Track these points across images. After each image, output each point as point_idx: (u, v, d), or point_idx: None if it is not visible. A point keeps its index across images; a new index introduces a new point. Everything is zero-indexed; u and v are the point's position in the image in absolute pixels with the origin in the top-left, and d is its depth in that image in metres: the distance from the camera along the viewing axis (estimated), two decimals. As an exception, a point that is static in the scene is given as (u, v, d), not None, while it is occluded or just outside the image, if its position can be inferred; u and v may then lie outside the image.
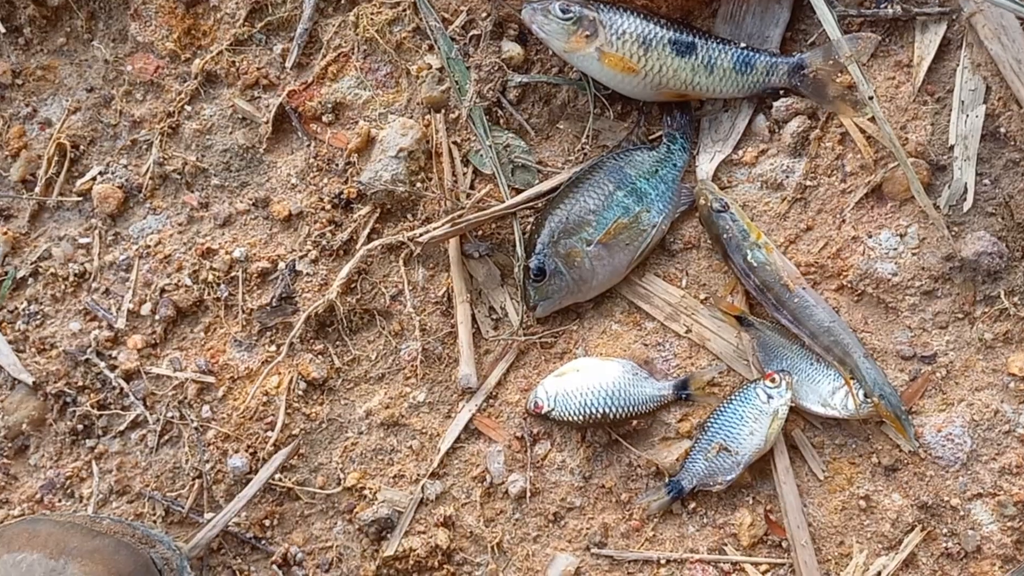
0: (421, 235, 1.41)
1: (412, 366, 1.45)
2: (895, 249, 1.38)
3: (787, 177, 1.44)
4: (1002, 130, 1.39)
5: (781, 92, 1.45)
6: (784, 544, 1.34)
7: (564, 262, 1.40)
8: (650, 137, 1.48)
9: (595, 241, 1.40)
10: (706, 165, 1.47)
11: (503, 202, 1.45)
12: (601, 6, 1.39)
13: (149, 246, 1.51)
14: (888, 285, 1.37)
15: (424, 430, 1.44)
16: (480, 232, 1.47)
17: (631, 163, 1.44)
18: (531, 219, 1.46)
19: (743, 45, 1.42)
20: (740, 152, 1.46)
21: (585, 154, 1.47)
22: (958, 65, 1.41)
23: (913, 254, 1.37)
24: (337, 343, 1.46)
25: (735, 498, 1.37)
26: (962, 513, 1.30)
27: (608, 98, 1.47)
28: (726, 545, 1.35)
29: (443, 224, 1.42)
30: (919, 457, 1.32)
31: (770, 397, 1.33)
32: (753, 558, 1.34)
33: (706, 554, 1.35)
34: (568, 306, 1.44)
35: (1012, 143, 1.39)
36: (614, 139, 1.49)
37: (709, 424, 1.35)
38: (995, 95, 1.40)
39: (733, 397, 1.35)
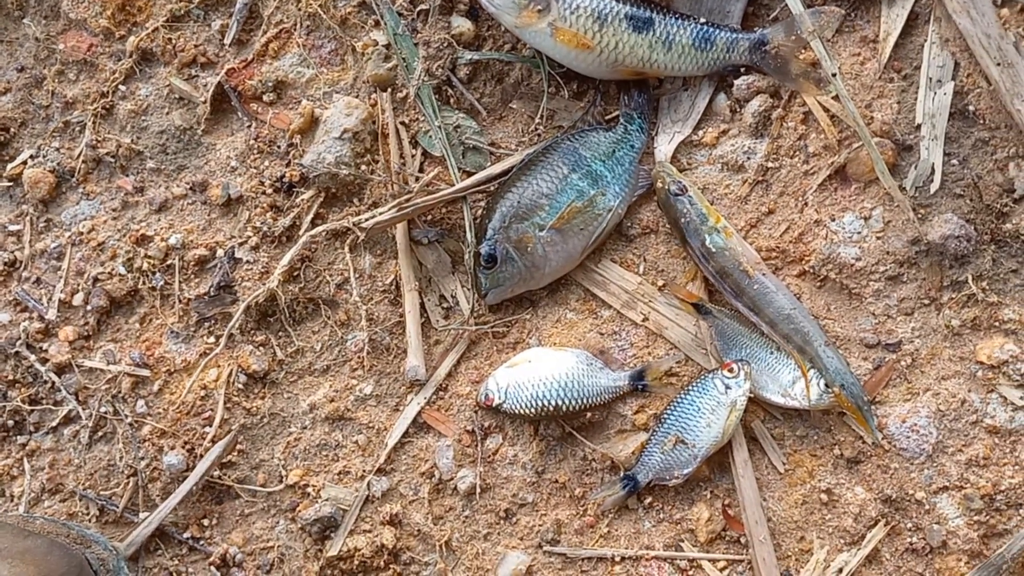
0: (367, 220, 1.34)
1: (359, 357, 1.39)
2: (859, 233, 1.33)
3: (748, 159, 1.38)
4: (971, 108, 1.34)
5: (742, 70, 1.39)
6: (743, 540, 1.29)
7: (516, 248, 1.33)
8: (607, 117, 1.42)
9: (548, 226, 1.34)
10: (665, 146, 1.41)
11: (453, 185, 1.38)
12: None
13: (82, 233, 1.44)
14: (851, 270, 1.32)
15: (371, 424, 1.38)
16: (429, 217, 1.40)
17: (586, 144, 1.38)
18: (482, 203, 1.39)
19: (703, 21, 1.36)
20: (700, 133, 1.41)
21: (539, 135, 1.41)
22: (926, 40, 1.36)
23: (877, 238, 1.31)
24: (279, 334, 1.39)
25: (692, 492, 1.31)
26: (927, 507, 1.25)
27: (563, 76, 1.41)
28: (683, 541, 1.30)
29: (390, 209, 1.35)
30: (883, 449, 1.27)
31: (728, 388, 1.27)
32: (711, 555, 1.29)
33: (662, 551, 1.30)
34: (521, 294, 1.38)
35: (981, 121, 1.34)
36: (569, 119, 1.42)
37: (665, 416, 1.30)
38: (964, 71, 1.35)
39: (690, 388, 1.29)
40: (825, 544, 1.27)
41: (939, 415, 1.27)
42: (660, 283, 1.37)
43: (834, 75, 1.31)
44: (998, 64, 1.34)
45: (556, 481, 1.34)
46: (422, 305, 1.39)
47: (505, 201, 1.35)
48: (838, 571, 1.23)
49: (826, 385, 1.26)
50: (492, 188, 1.39)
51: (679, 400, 1.30)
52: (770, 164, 1.37)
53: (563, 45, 1.34)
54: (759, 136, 1.38)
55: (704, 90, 1.41)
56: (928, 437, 1.26)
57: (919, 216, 1.32)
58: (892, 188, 1.29)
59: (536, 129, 1.41)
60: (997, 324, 1.28)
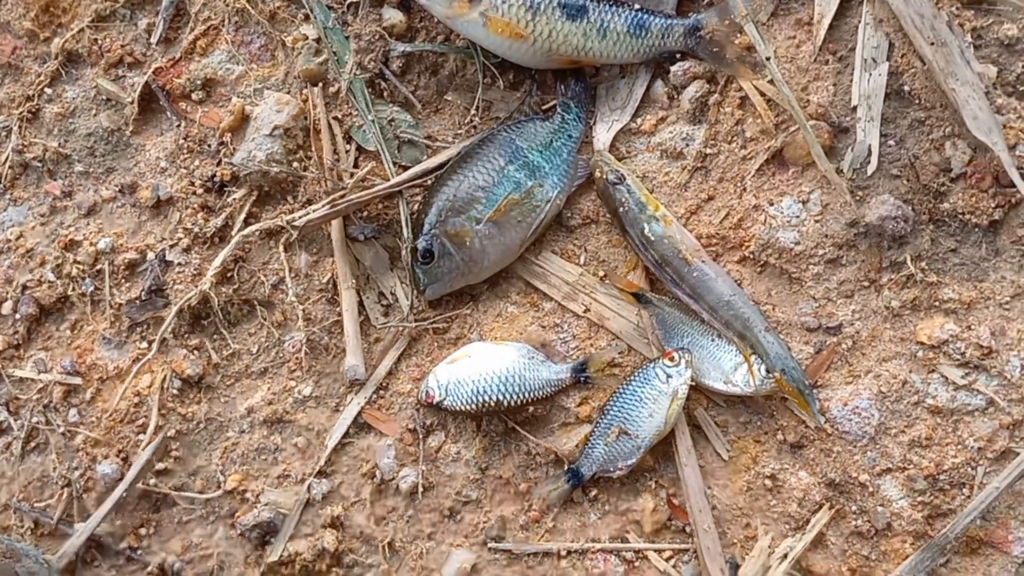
0: (300, 218, 1.32)
1: (297, 358, 1.36)
2: (797, 216, 1.32)
3: (687, 145, 1.37)
4: (906, 88, 1.33)
5: (678, 56, 1.37)
6: (688, 529, 1.28)
7: (453, 242, 1.31)
8: (544, 107, 1.40)
9: (485, 219, 1.32)
10: (603, 135, 1.40)
11: (388, 180, 1.36)
12: None
13: (9, 240, 1.40)
14: (791, 255, 1.31)
15: (310, 426, 1.35)
16: (365, 213, 1.38)
17: (523, 135, 1.36)
18: (419, 198, 1.37)
19: (637, 7, 1.34)
20: (639, 120, 1.39)
21: (475, 127, 1.39)
22: (860, 21, 1.35)
23: (816, 221, 1.31)
24: (214, 337, 1.37)
25: (637, 483, 1.30)
26: (871, 489, 1.24)
27: (499, 67, 1.39)
28: (628, 532, 1.29)
29: (323, 206, 1.33)
30: (826, 433, 1.26)
31: (669, 377, 1.26)
32: (656, 545, 1.28)
33: (608, 543, 1.28)
34: (461, 289, 1.36)
35: (917, 101, 1.33)
36: (506, 110, 1.41)
37: (608, 407, 1.28)
38: (898, 52, 1.34)
39: (632, 378, 1.28)
40: (770, 530, 1.26)
41: (881, 397, 1.26)
42: (601, 273, 1.35)
43: (768, 59, 1.30)
44: (932, 43, 1.33)
45: (500, 477, 1.32)
46: (361, 303, 1.37)
47: (441, 195, 1.33)
48: (783, 556, 1.22)
49: (767, 370, 1.25)
50: (429, 182, 1.37)
51: (621, 391, 1.28)
52: (708, 150, 1.36)
53: (496, 35, 1.32)
54: (697, 122, 1.37)
55: (641, 77, 1.40)
56: (870, 419, 1.26)
57: (857, 198, 1.31)
58: (828, 171, 1.29)
59: (472, 121, 1.39)
60: (937, 304, 1.28)
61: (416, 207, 1.36)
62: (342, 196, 1.33)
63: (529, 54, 1.34)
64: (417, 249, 1.32)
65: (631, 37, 1.34)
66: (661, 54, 1.37)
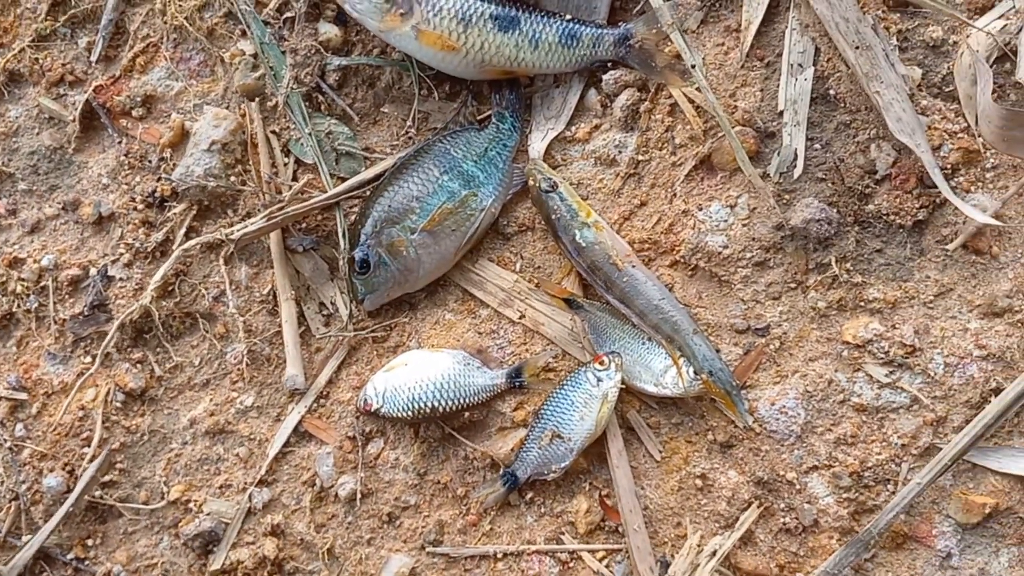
0: (237, 231, 1.34)
1: (238, 369, 1.38)
2: (725, 221, 1.34)
3: (620, 152, 1.39)
4: (832, 92, 1.36)
5: (610, 64, 1.40)
6: (620, 529, 1.30)
7: (388, 252, 1.34)
8: (479, 117, 1.43)
9: (419, 228, 1.35)
10: (539, 143, 1.42)
11: (325, 192, 1.38)
12: None
13: (-45, 259, 1.43)
14: (720, 258, 1.33)
15: (252, 436, 1.37)
16: (304, 225, 1.40)
17: (458, 145, 1.39)
18: (356, 209, 1.40)
19: (568, 18, 1.37)
20: (573, 129, 1.42)
21: (411, 138, 1.42)
22: (786, 27, 1.38)
23: (744, 225, 1.33)
24: (157, 350, 1.39)
25: (572, 485, 1.33)
26: (798, 487, 1.27)
27: (434, 78, 1.41)
28: (563, 534, 1.32)
29: (260, 219, 1.35)
30: (754, 432, 1.29)
31: (599, 380, 1.28)
32: (590, 546, 1.30)
33: (543, 544, 1.31)
34: (399, 297, 1.39)
35: (842, 104, 1.36)
36: (443, 120, 1.43)
37: (542, 411, 1.31)
38: (824, 56, 1.37)
39: (564, 383, 1.31)
40: (699, 528, 1.28)
41: (807, 396, 1.29)
42: (535, 280, 1.38)
43: (694, 66, 1.33)
44: (856, 47, 1.36)
45: (438, 482, 1.35)
46: (301, 313, 1.39)
47: (377, 206, 1.35)
48: (712, 554, 1.25)
49: (695, 372, 1.28)
50: (366, 193, 1.39)
51: (554, 395, 1.31)
52: (640, 157, 1.39)
53: (428, 47, 1.35)
54: (629, 130, 1.40)
55: (575, 86, 1.42)
56: (797, 418, 1.28)
57: (784, 201, 1.34)
58: (752, 176, 1.31)
59: (409, 132, 1.41)
60: (862, 304, 1.30)
61: (353, 218, 1.38)
62: (280, 208, 1.36)
63: (462, 66, 1.36)
64: (354, 259, 1.34)
65: (563, 47, 1.36)
66: (592, 63, 1.39)
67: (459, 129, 1.41)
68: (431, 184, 1.36)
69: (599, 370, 1.29)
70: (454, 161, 1.37)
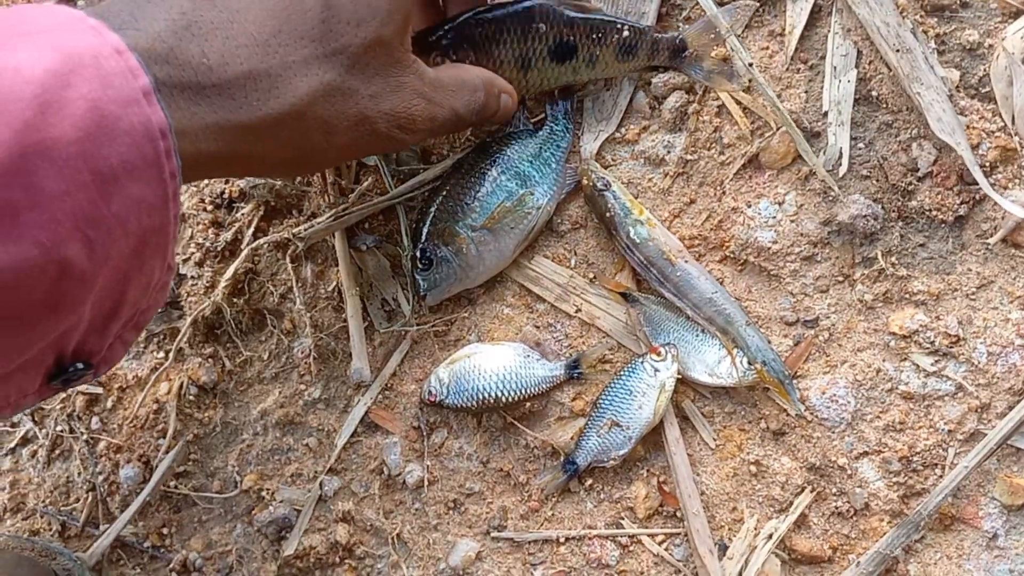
0: (304, 231, 1.40)
1: (306, 363, 1.44)
2: (774, 217, 1.40)
3: (668, 152, 1.45)
4: (874, 93, 1.41)
5: (660, 68, 1.45)
6: (678, 514, 1.35)
7: (450, 249, 1.39)
8: (533, 120, 1.48)
9: (479, 226, 1.40)
10: (590, 144, 1.48)
11: (386, 193, 1.44)
12: (477, 34, 1.30)
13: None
14: (769, 253, 1.39)
15: (320, 427, 1.43)
16: (368, 224, 1.46)
17: (513, 146, 1.44)
18: (417, 209, 1.45)
19: (624, 31, 1.37)
20: (623, 130, 1.47)
21: (469, 140, 1.47)
22: (829, 31, 1.43)
23: (791, 221, 1.38)
24: (228, 345, 1.44)
25: (630, 472, 1.38)
26: (849, 472, 1.32)
27: (489, 83, 1.47)
28: (623, 519, 1.37)
29: (326, 218, 1.40)
30: (805, 420, 1.34)
31: (656, 370, 1.34)
32: (649, 530, 1.36)
33: (604, 529, 1.36)
34: (459, 293, 1.44)
35: (884, 105, 1.41)
36: (492, 123, 1.48)
37: (600, 401, 1.36)
38: (866, 59, 1.43)
39: (621, 373, 1.36)
40: (755, 513, 1.33)
41: (856, 385, 1.34)
42: (591, 275, 1.43)
43: (750, 64, 1.38)
44: (897, 50, 1.42)
45: (500, 470, 1.40)
46: (364, 309, 1.45)
47: (437, 206, 1.41)
48: (768, 537, 1.30)
49: (749, 362, 1.33)
50: (425, 194, 1.45)
51: (612, 385, 1.36)
52: (689, 156, 1.44)
53: None
54: (677, 130, 1.45)
55: (625, 90, 1.48)
56: (847, 406, 1.33)
57: (830, 198, 1.39)
58: (816, 165, 1.37)
59: (466, 135, 1.46)
60: (907, 296, 1.36)
61: (414, 217, 1.44)
62: (345, 209, 1.41)
63: (521, 93, 1.37)
64: (416, 257, 1.39)
65: (619, 61, 1.40)
66: (646, 69, 1.44)
67: (514, 131, 1.46)
68: (489, 183, 1.41)
69: (656, 361, 1.34)
70: (510, 162, 1.43)
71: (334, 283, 1.44)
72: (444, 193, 1.41)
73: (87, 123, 0.68)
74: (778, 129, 1.40)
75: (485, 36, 1.30)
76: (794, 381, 1.35)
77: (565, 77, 1.36)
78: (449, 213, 1.40)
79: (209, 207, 1.45)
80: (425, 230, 1.40)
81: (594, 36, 1.35)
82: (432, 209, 1.41)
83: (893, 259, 1.37)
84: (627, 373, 1.35)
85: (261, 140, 0.87)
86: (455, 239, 1.40)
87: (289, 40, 0.85)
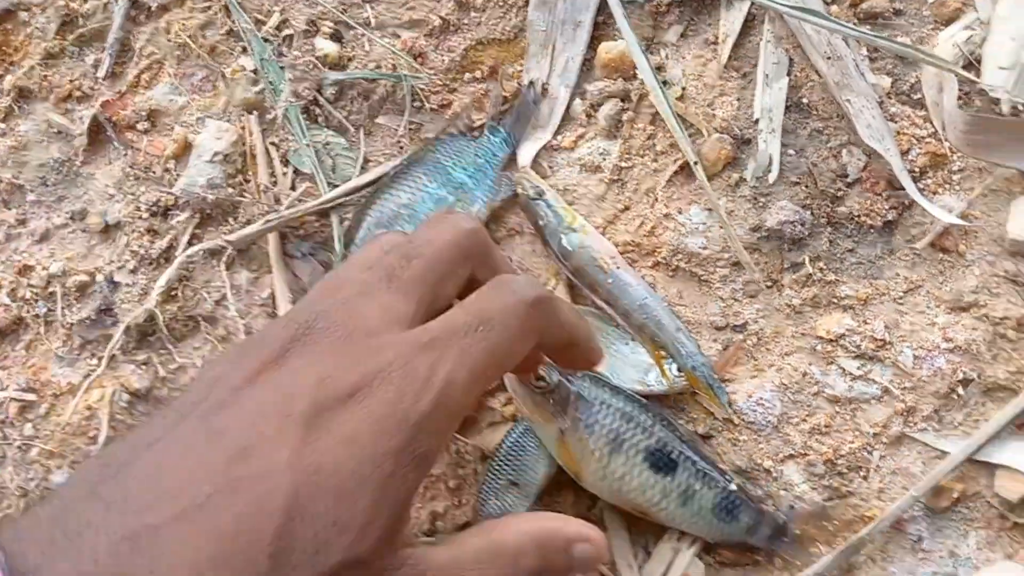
0: (233, 235, 1.40)
1: (240, 370, 1.44)
2: (704, 223, 1.41)
3: (604, 159, 1.46)
4: (804, 100, 1.43)
5: (595, 77, 1.47)
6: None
7: (382, 257, 1.40)
8: (472, 127, 1.49)
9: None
10: (528, 151, 1.48)
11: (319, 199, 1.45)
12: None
13: (-33, 267, 1.49)
14: (699, 259, 1.40)
15: (254, 433, 1.43)
16: (302, 231, 1.46)
17: (448, 154, 1.45)
18: (352, 217, 1.46)
19: (735, 487, 1.25)
20: (559, 138, 1.49)
21: (402, 147, 1.48)
22: (762, 40, 1.45)
23: (721, 227, 1.39)
24: (161, 352, 1.45)
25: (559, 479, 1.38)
26: (775, 474, 1.33)
27: (425, 92, 1.48)
28: (552, 525, 1.36)
29: (257, 224, 1.41)
30: (733, 423, 1.35)
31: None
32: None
33: (533, 535, 1.36)
34: (394, 300, 1.44)
35: (815, 112, 1.43)
36: (435, 131, 1.49)
37: (491, 462, 1.35)
38: (797, 66, 1.44)
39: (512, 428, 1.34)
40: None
41: (783, 388, 1.35)
42: (524, 282, 1.44)
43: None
44: (828, 58, 1.44)
45: (432, 475, 1.40)
46: (300, 316, 1.45)
47: (369, 215, 1.42)
48: (692, 540, 1.30)
49: (679, 369, 1.34)
50: (361, 200, 1.45)
51: (504, 442, 1.34)
52: (623, 164, 1.45)
53: (562, 460, 1.27)
54: (613, 138, 1.46)
55: (561, 97, 1.49)
56: (773, 410, 1.34)
57: (759, 205, 1.40)
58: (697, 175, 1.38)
59: (399, 142, 1.48)
60: (835, 300, 1.37)
61: (347, 226, 1.44)
62: (275, 214, 1.42)
63: (593, 482, 1.24)
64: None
65: (715, 518, 1.22)
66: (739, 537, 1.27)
67: (450, 138, 1.47)
68: (420, 192, 1.42)
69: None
70: (443, 169, 1.44)
71: (268, 290, 1.45)
72: (376, 203, 1.42)
73: None
74: (709, 136, 1.42)
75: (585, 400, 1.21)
76: (723, 385, 1.35)
77: (647, 492, 1.18)
78: (379, 222, 1.41)
79: (145, 215, 1.46)
80: (357, 239, 1.41)
81: (697, 467, 1.21)
82: (364, 218, 1.42)
83: (821, 264, 1.38)
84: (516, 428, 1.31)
85: None
86: (388, 246, 1.40)
87: None
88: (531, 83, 1.48)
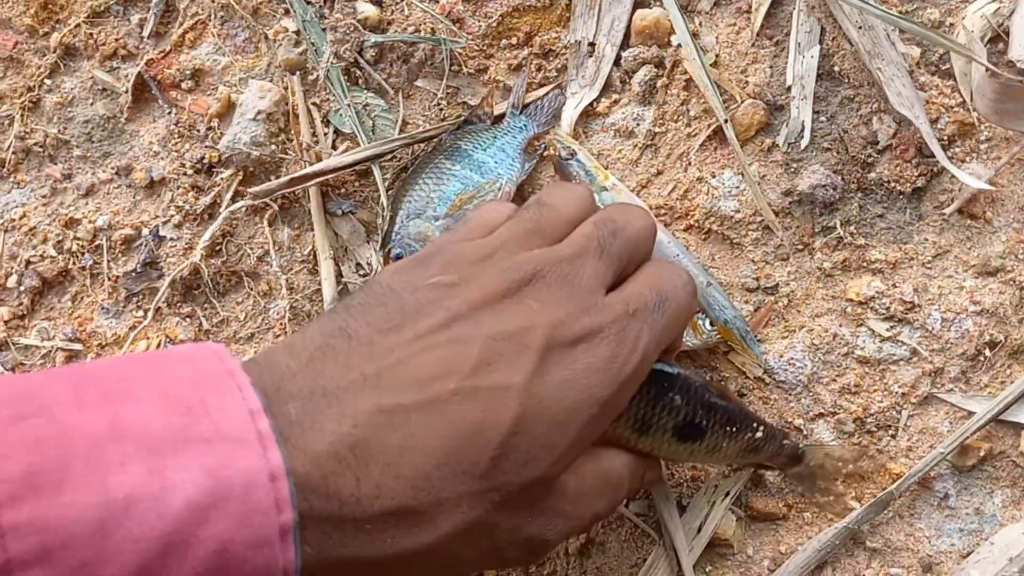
0: (260, 189, 1.43)
1: (281, 324, 1.47)
2: (737, 187, 1.44)
3: (638, 125, 1.49)
4: (836, 68, 1.46)
5: (630, 44, 1.49)
6: (639, 472, 1.39)
7: (418, 242, 1.42)
8: (491, 117, 1.51)
9: (442, 215, 1.43)
10: (572, 110, 1.50)
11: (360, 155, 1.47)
12: None
13: (14, 220, 1.52)
14: (731, 222, 1.43)
15: (294, 385, 1.46)
16: (343, 190, 1.50)
17: (467, 139, 1.47)
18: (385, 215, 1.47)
19: (758, 429, 1.24)
20: (595, 103, 1.51)
21: (441, 109, 1.51)
22: (794, 8, 1.48)
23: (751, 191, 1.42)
24: (205, 305, 1.48)
25: (594, 432, 1.41)
26: (805, 432, 1.36)
27: (463, 55, 1.51)
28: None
29: (284, 179, 1.44)
30: (764, 382, 1.38)
31: None
32: (611, 487, 1.39)
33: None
34: (432, 262, 1.47)
35: (846, 80, 1.46)
36: (472, 95, 1.52)
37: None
38: (829, 35, 1.47)
39: None
40: (713, 471, 1.37)
41: (814, 349, 1.38)
42: (559, 242, 1.47)
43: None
44: (859, 27, 1.46)
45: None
46: (339, 273, 1.48)
47: (401, 206, 1.44)
48: (725, 494, 1.34)
49: (711, 323, 1.37)
50: (391, 193, 1.48)
51: None
52: (657, 129, 1.48)
53: None
54: (647, 104, 1.49)
55: (608, 56, 1.50)
56: (804, 369, 1.38)
57: (791, 170, 1.43)
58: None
59: (439, 104, 1.50)
60: (865, 264, 1.40)
61: (384, 219, 1.46)
62: (315, 171, 1.45)
63: None
64: (390, 256, 1.43)
65: (738, 456, 1.26)
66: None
67: (469, 126, 1.49)
68: (445, 175, 1.45)
69: None
70: (464, 152, 1.46)
71: (310, 247, 1.48)
72: (406, 194, 1.45)
73: (207, 566, 0.62)
74: (742, 102, 1.45)
75: None
76: (756, 340, 1.39)
77: (678, 455, 1.18)
78: (411, 210, 1.44)
79: (189, 171, 1.49)
80: (394, 231, 1.44)
81: (727, 428, 1.19)
82: (397, 210, 1.44)
83: (852, 229, 1.41)
84: None
85: (381, 572, 0.76)
86: (421, 231, 1.43)
87: (451, 474, 0.73)
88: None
